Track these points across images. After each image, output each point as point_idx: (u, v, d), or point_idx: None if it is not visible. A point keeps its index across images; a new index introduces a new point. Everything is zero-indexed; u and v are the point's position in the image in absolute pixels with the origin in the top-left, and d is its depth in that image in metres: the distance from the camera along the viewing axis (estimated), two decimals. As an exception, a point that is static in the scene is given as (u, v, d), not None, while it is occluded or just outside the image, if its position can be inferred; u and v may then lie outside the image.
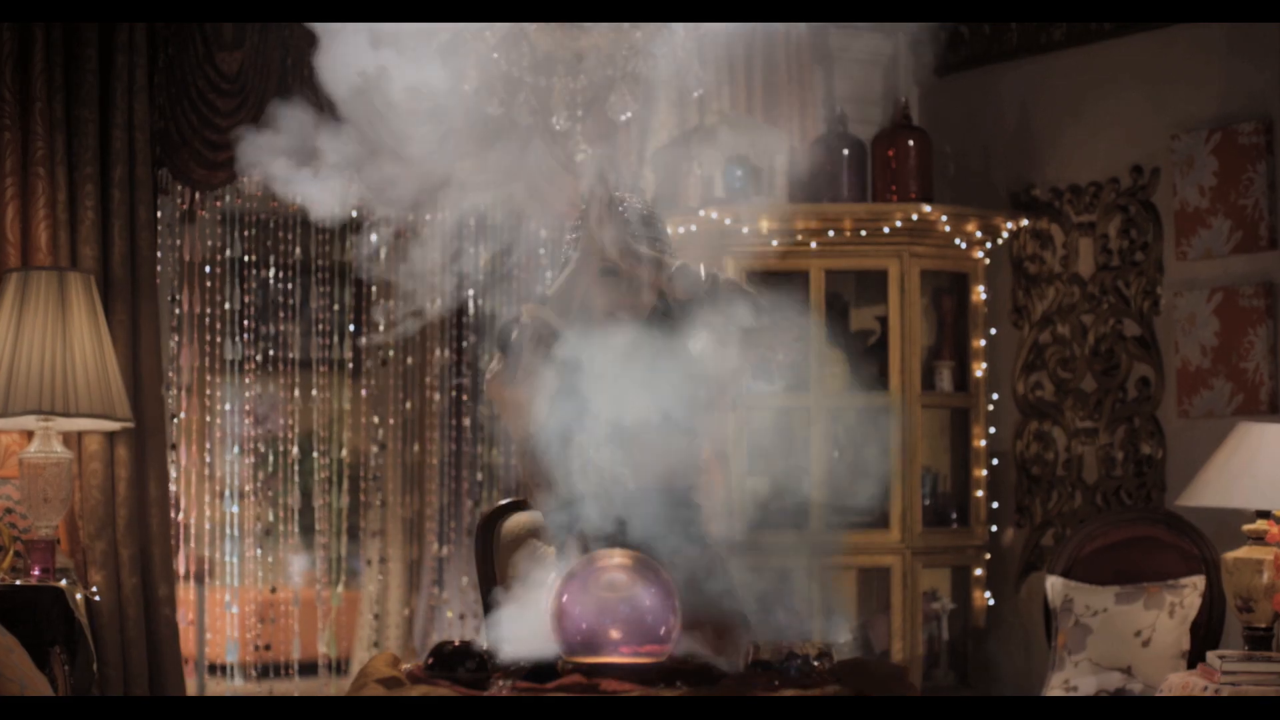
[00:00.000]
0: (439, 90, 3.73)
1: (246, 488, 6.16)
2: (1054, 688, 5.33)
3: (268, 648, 6.24)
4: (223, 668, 6.18)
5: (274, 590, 6.21)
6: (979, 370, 6.30)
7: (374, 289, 6.37)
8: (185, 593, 5.90)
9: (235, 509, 6.12)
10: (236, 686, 6.17)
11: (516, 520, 4.33)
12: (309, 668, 6.33)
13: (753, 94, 6.46)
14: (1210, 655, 4.80)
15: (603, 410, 3.55)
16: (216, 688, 6.15)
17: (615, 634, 3.25)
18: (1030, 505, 6.41)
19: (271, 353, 6.24)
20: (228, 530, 6.13)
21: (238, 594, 6.18)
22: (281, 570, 6.27)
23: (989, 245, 6.35)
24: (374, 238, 6.34)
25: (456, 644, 3.37)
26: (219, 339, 6.07)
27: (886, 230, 6.08)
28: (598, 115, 3.70)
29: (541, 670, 3.28)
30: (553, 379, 3.60)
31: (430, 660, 3.33)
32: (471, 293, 6.41)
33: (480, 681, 3.26)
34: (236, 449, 6.18)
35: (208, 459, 6.08)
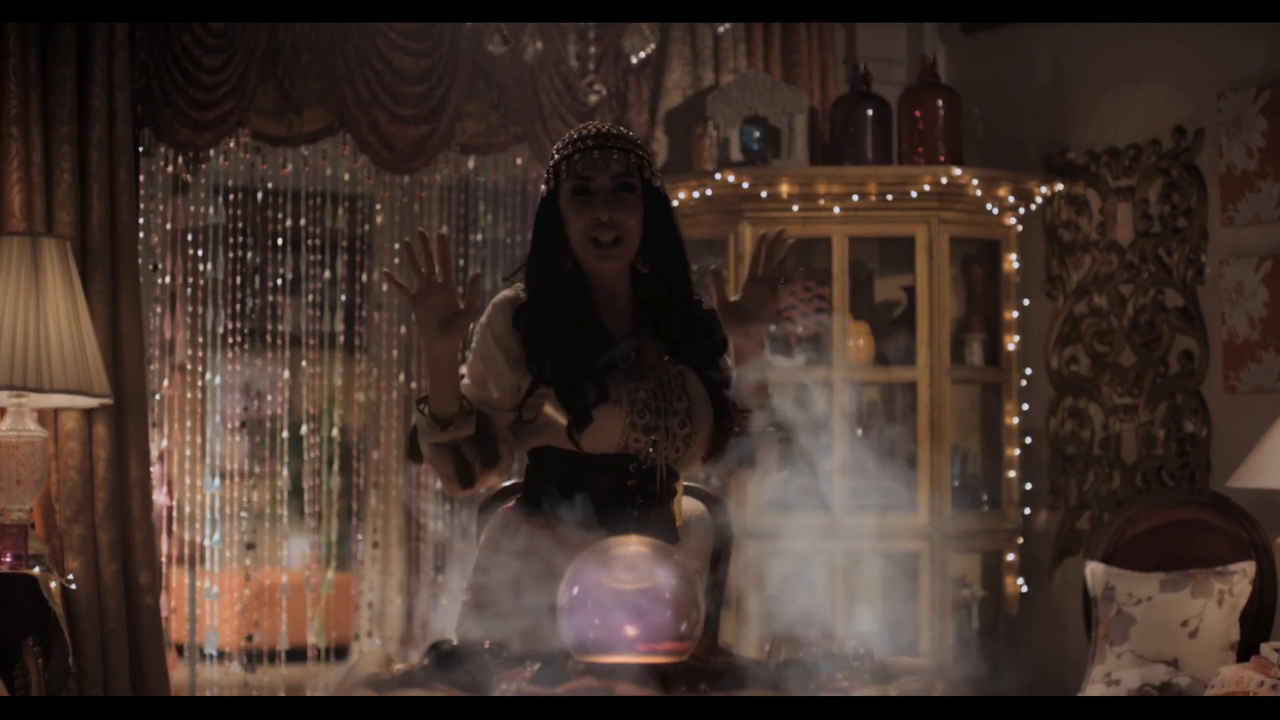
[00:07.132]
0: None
1: (231, 467, 5.94)
2: (1094, 681, 5.09)
3: (250, 638, 6.04)
4: (205, 655, 5.96)
5: (252, 578, 6.01)
6: (1011, 343, 6.03)
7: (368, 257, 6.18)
8: (168, 578, 5.68)
9: (218, 488, 5.90)
10: (221, 675, 5.97)
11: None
12: (298, 655, 6.12)
13: (771, 51, 6.18)
14: (1264, 647, 4.60)
15: None
16: (201, 676, 5.95)
17: (631, 631, 2.95)
18: (1065, 487, 6.13)
19: (260, 326, 6.01)
20: (210, 514, 5.91)
21: (220, 579, 5.95)
22: (270, 555, 6.06)
23: (1021, 211, 6.08)
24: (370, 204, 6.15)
25: (456, 642, 3.08)
26: (202, 309, 5.82)
27: (913, 195, 5.81)
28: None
29: (549, 671, 3.01)
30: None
31: (426, 660, 3.04)
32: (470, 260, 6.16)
33: (482, 684, 2.98)
34: (223, 426, 5.96)
35: (189, 437, 5.84)
